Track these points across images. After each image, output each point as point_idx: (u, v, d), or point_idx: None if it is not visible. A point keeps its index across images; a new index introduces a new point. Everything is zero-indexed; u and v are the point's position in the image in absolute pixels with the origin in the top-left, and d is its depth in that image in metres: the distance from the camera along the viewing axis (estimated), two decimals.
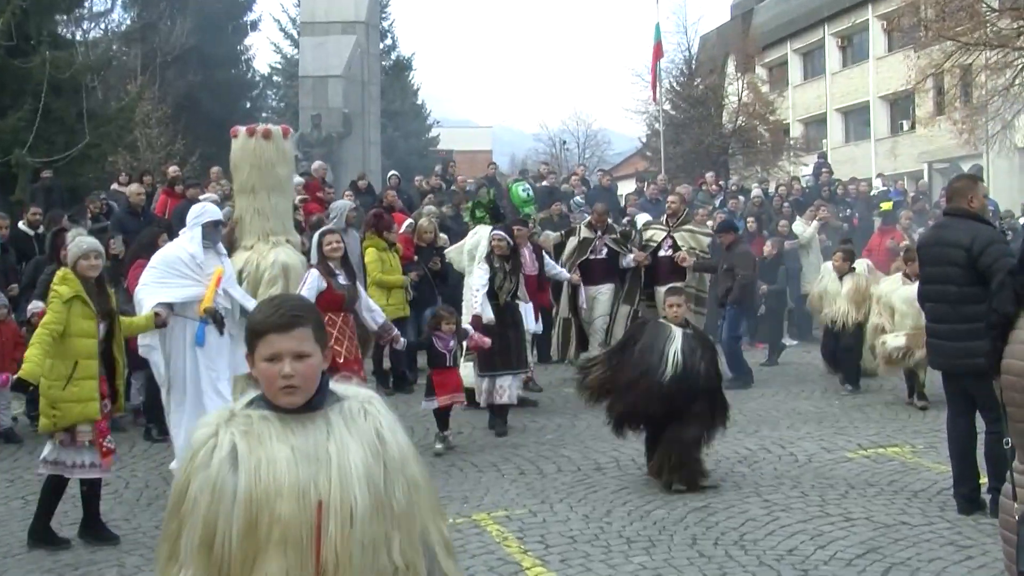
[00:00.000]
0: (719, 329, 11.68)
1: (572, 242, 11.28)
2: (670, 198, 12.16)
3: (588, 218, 11.70)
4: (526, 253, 10.11)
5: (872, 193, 20.12)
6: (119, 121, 19.92)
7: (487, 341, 8.57)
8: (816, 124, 41.58)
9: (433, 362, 8.42)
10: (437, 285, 11.58)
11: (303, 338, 2.29)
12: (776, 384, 11.37)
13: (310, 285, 7.46)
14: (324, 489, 2.20)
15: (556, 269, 10.71)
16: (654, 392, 6.73)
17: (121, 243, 10.29)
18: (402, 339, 8.32)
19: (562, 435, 8.90)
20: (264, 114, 38.88)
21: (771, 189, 20.46)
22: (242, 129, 8.47)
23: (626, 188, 24.17)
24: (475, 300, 9.04)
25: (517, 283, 9.24)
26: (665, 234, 11.22)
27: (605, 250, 11.15)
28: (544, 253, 10.71)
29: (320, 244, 7.73)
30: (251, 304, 7.33)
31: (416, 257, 11.54)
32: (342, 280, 7.65)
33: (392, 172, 17.78)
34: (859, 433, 8.71)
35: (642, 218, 12.74)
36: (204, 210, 7.40)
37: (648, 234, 11.41)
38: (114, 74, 24.92)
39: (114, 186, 15.89)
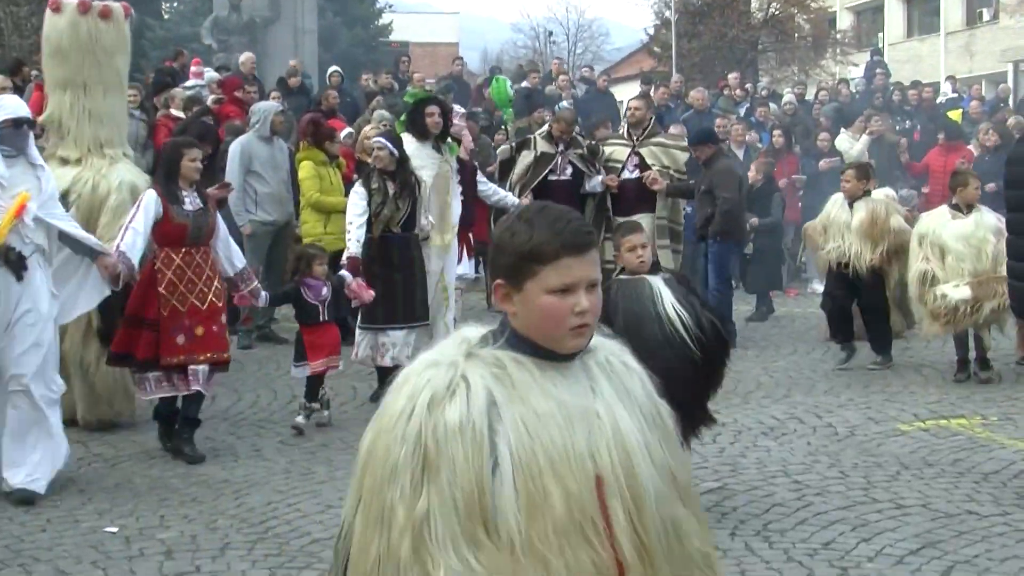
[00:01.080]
0: (701, 272, 11.10)
1: (526, 158, 10.69)
2: (631, 103, 11.67)
3: (546, 128, 11.08)
4: None
5: (939, 100, 20.11)
6: None
7: (369, 294, 8.18)
8: (870, 13, 41.44)
9: (303, 318, 8.18)
10: None
11: (596, 262, 2.25)
12: (811, 339, 11.41)
13: (146, 209, 7.14)
14: (603, 461, 2.15)
15: (499, 194, 10.32)
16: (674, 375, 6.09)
17: None
18: (264, 293, 7.92)
19: None
20: None
21: (810, 95, 20.41)
22: (70, 4, 8.05)
23: (628, 92, 24.07)
24: (348, 235, 8.56)
25: (411, 209, 8.73)
26: (629, 151, 10.85)
27: (569, 169, 10.68)
28: (479, 173, 10.46)
29: (176, 159, 7.40)
30: (78, 231, 6.99)
31: (357, 175, 11.40)
32: (188, 206, 7.34)
33: (333, 68, 17.59)
34: (915, 400, 8.75)
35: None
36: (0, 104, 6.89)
37: (608, 151, 10.99)
38: None
39: None
